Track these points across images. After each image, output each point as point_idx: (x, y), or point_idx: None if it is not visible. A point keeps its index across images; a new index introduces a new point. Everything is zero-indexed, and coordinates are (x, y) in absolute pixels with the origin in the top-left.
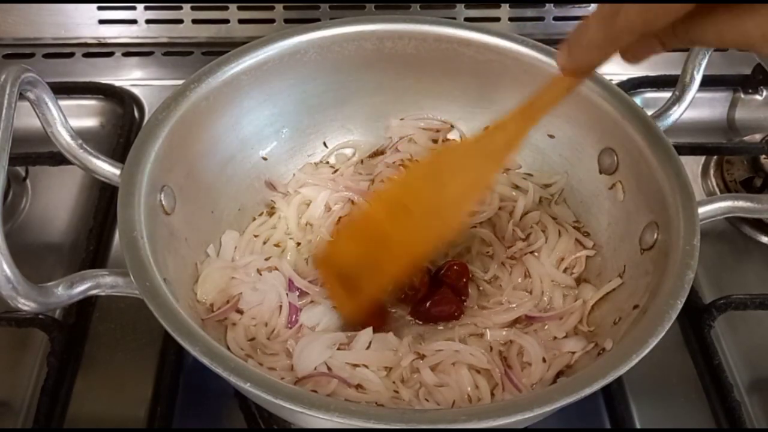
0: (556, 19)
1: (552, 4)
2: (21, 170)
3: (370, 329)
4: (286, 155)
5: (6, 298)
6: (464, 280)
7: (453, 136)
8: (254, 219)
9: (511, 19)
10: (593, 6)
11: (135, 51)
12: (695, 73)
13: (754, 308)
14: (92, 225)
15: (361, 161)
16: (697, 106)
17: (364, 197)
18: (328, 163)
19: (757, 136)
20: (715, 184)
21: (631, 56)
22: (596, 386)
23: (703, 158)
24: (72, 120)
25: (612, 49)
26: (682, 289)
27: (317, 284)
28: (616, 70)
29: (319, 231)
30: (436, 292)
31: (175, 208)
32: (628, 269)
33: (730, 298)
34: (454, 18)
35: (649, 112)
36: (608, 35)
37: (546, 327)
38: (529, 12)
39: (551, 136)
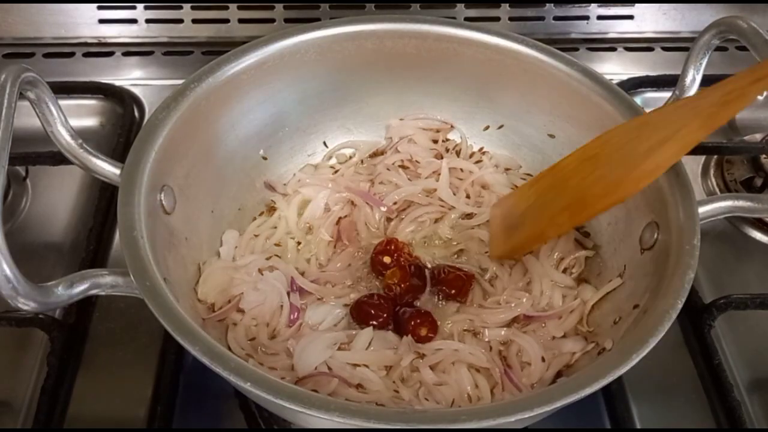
0: (556, 19)
1: (552, 4)
2: (21, 170)
3: (370, 329)
4: (286, 155)
5: (6, 297)
6: (464, 288)
7: (453, 136)
8: (254, 219)
9: (511, 19)
10: (593, 6)
11: (135, 51)
12: (695, 73)
13: (754, 308)
14: (92, 225)
15: (361, 161)
16: None
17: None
18: (333, 162)
19: (757, 136)
20: (715, 183)
21: None
22: (596, 386)
23: (703, 158)
24: (72, 120)
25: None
26: (682, 289)
27: (320, 283)
28: (616, 70)
29: (318, 231)
30: (418, 312)
31: (175, 208)
32: (628, 269)
33: (730, 298)
34: (454, 18)
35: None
36: None
37: (544, 326)
38: (529, 12)
39: (551, 136)
